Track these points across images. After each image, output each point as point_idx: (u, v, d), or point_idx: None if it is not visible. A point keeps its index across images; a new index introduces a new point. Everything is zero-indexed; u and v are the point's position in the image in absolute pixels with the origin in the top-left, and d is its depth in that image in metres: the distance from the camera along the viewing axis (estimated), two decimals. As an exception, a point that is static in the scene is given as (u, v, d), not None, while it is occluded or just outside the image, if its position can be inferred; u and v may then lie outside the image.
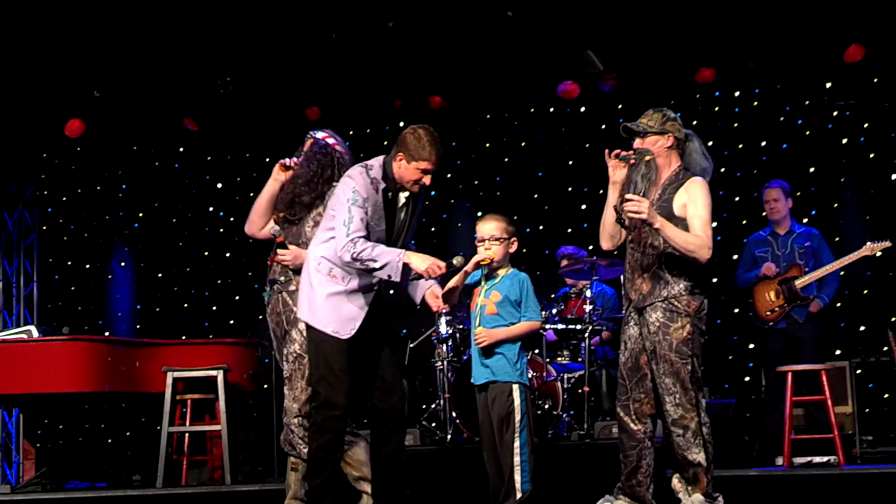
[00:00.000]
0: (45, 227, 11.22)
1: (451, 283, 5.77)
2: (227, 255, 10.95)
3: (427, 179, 5.78)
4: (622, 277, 5.97)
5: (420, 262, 5.59)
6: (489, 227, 5.73)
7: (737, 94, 10.11)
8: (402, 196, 5.84)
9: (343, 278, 5.72)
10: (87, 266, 11.29)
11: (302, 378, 5.92)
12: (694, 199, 5.60)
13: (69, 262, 11.27)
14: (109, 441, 10.80)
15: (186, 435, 8.48)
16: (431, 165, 5.74)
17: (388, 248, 5.64)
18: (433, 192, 10.37)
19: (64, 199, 11.30)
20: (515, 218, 5.94)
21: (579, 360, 8.69)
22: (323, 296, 5.73)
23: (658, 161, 5.72)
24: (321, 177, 6.05)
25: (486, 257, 5.67)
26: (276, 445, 8.34)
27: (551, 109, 10.58)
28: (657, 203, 5.63)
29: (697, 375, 5.61)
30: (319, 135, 6.16)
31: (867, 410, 9.03)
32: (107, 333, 10.82)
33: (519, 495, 5.53)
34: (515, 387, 5.61)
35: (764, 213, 8.68)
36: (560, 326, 8.64)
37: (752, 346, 9.65)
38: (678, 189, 5.65)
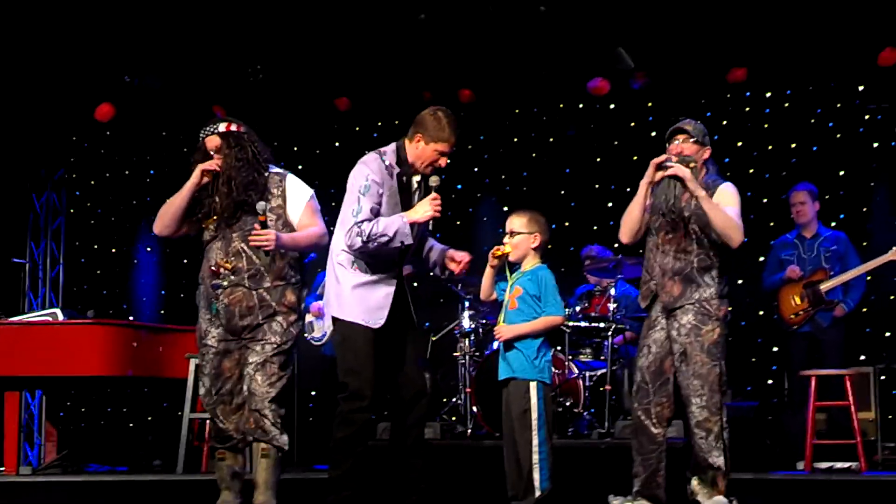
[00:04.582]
0: (72, 210, 11.28)
1: (485, 278, 5.79)
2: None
3: (443, 161, 5.78)
4: (643, 277, 5.95)
5: (420, 212, 5.62)
6: (511, 221, 5.78)
7: (768, 94, 10.05)
8: (415, 180, 5.85)
9: (366, 269, 5.73)
10: (114, 250, 11.34)
11: (279, 367, 5.81)
12: (726, 198, 5.68)
13: (95, 246, 11.32)
14: (131, 425, 10.86)
15: (207, 421, 8.49)
16: (449, 147, 5.75)
17: (390, 217, 5.65)
18: (459, 186, 10.37)
19: (92, 182, 11.34)
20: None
21: (601, 358, 8.67)
22: (349, 287, 5.74)
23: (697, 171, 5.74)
24: (254, 171, 5.88)
25: (501, 249, 5.69)
26: (297, 434, 8.36)
27: (580, 105, 10.55)
28: (693, 209, 5.63)
29: (724, 379, 5.63)
30: (221, 127, 5.90)
31: (890, 417, 8.96)
32: (131, 318, 10.86)
33: (538, 493, 5.52)
34: (533, 384, 5.60)
35: (792, 216, 8.63)
36: (583, 324, 8.61)
37: (775, 349, 9.60)
38: (711, 196, 5.66)
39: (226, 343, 5.88)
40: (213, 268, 5.88)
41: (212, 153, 5.90)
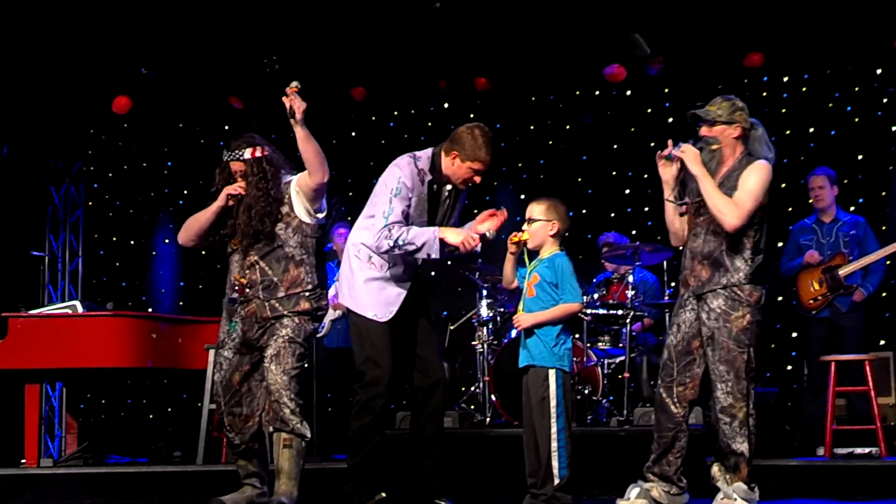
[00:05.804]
0: (90, 203, 11.31)
1: (506, 265, 5.80)
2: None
3: (477, 179, 5.83)
4: (678, 264, 5.90)
5: (455, 235, 5.66)
6: (530, 208, 5.79)
7: (785, 79, 10.00)
8: (446, 189, 5.87)
9: (381, 266, 5.77)
10: (132, 242, 11.38)
11: (292, 356, 5.81)
12: (748, 176, 5.56)
13: (114, 238, 11.36)
14: (151, 417, 10.90)
15: (226, 413, 8.51)
16: (484, 166, 5.79)
17: (422, 228, 5.68)
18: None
19: (110, 175, 11.38)
20: (559, 202, 5.92)
21: (620, 345, 8.65)
22: (361, 280, 5.78)
23: (724, 151, 5.67)
24: (272, 200, 5.89)
25: (518, 236, 5.69)
26: (316, 424, 8.36)
27: (597, 92, 10.51)
28: (723, 190, 5.58)
29: (752, 366, 5.57)
30: (247, 154, 5.92)
31: (910, 402, 8.94)
32: (150, 310, 10.90)
33: (556, 481, 5.53)
34: (552, 372, 5.60)
35: (810, 201, 8.60)
36: (601, 311, 8.60)
37: (794, 334, 9.57)
38: (741, 174, 5.59)
39: (240, 356, 5.96)
40: (234, 285, 5.98)
41: (236, 176, 5.98)
